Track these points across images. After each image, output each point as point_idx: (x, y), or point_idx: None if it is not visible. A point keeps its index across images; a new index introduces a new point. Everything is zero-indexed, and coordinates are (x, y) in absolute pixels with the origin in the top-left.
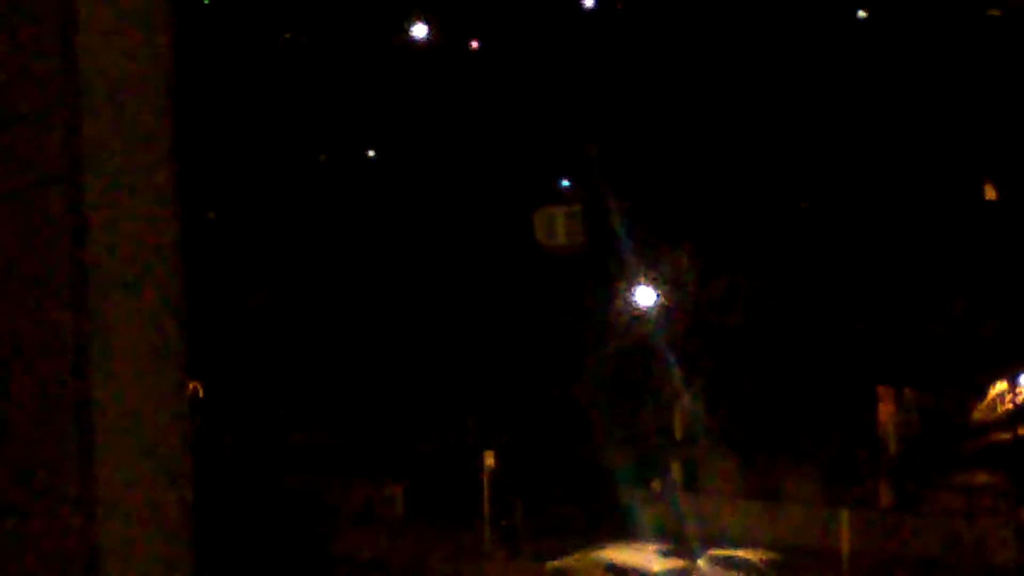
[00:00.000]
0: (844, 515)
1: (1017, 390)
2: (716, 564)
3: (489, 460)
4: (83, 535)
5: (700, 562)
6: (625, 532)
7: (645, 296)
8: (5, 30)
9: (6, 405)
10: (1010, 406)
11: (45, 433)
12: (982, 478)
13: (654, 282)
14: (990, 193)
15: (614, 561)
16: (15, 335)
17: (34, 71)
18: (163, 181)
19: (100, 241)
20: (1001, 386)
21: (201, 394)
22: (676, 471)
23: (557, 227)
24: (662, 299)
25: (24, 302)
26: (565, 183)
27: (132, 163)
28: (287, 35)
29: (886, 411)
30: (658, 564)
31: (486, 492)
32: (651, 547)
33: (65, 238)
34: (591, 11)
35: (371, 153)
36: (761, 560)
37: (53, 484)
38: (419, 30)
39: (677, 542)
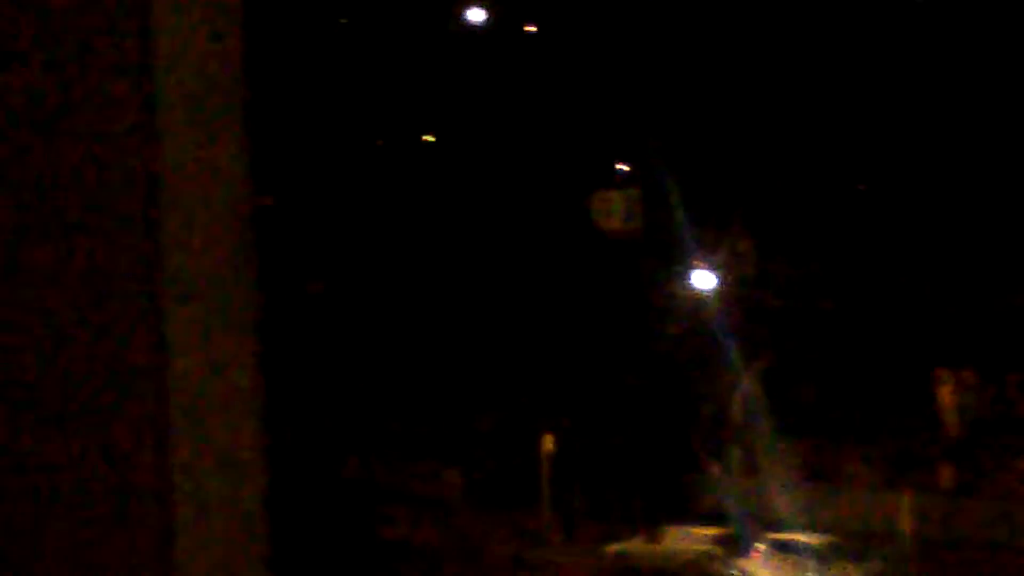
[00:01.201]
0: (905, 499)
1: None
2: (775, 548)
3: (548, 444)
4: (158, 523)
5: (760, 546)
6: (684, 516)
7: (703, 279)
8: (82, 43)
9: (85, 391)
10: None
11: (122, 421)
12: None
13: (712, 265)
14: None
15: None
16: (94, 330)
17: (110, 79)
18: (238, 189)
19: (175, 245)
20: None
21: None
22: (735, 455)
23: (615, 210)
24: (720, 282)
25: (103, 305)
26: (623, 167)
27: (207, 167)
28: (343, 20)
29: (947, 394)
30: (816, 539)
31: (545, 475)
32: (711, 530)
33: (143, 243)
34: None
35: (429, 138)
36: (821, 544)
37: (128, 470)
38: (476, 14)
39: (737, 526)
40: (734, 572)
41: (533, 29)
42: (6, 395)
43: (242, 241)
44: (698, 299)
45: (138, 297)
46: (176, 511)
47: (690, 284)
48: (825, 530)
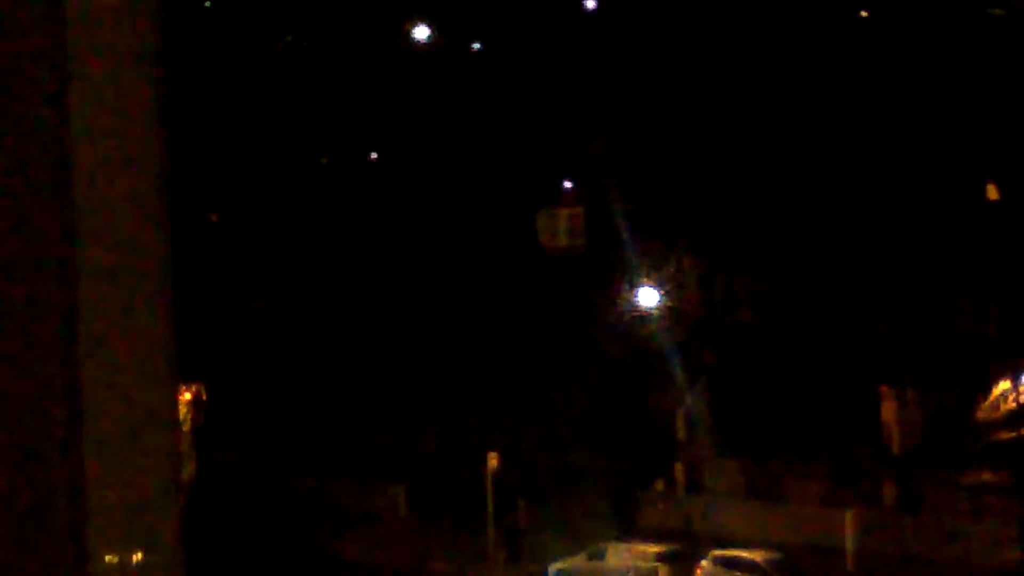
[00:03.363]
0: (848, 515)
1: (1020, 389)
2: (719, 564)
3: (492, 461)
4: (73, 533)
5: (704, 563)
6: (628, 533)
7: (648, 296)
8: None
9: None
10: (1013, 405)
11: (37, 430)
12: (985, 477)
13: (657, 282)
14: (992, 193)
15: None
16: (8, 337)
17: (24, 73)
18: (152, 184)
19: (90, 243)
20: (1004, 385)
21: (205, 395)
22: (680, 472)
23: (559, 228)
24: (665, 299)
25: (17, 305)
26: (567, 184)
27: (122, 164)
28: (288, 38)
29: (889, 410)
30: (760, 555)
31: (489, 493)
32: (654, 547)
33: (56, 241)
34: (593, 12)
35: (373, 155)
36: (765, 560)
37: (44, 481)
38: (420, 32)
39: (681, 542)
40: None
41: (478, 47)
42: None
43: (159, 243)
44: (642, 316)
45: (53, 309)
46: (90, 521)
47: (634, 301)
48: (769, 546)
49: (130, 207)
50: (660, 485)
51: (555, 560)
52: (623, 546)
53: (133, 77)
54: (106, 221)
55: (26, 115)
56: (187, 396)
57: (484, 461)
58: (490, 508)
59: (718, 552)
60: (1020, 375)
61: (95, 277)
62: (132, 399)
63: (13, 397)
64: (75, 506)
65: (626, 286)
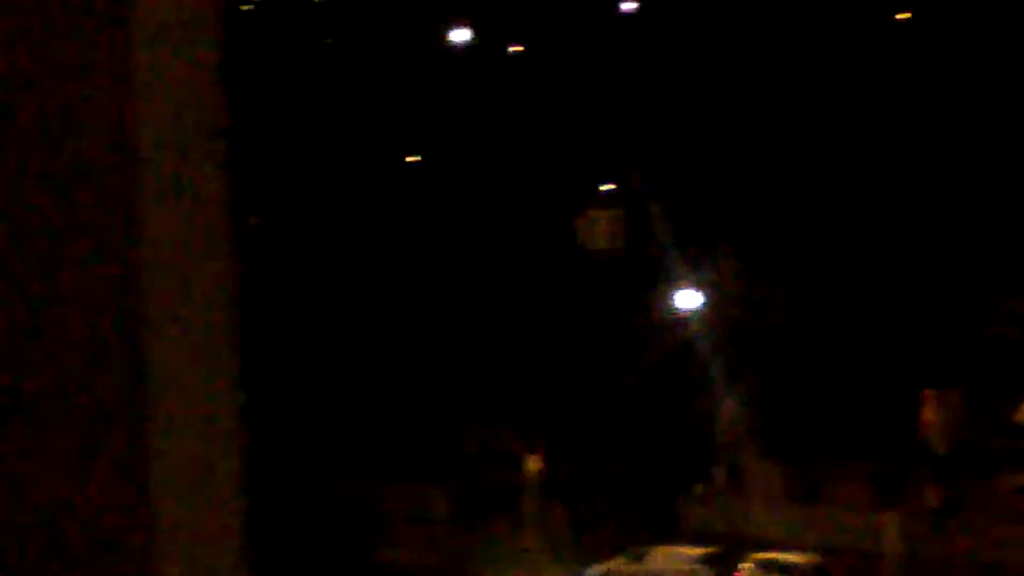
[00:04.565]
0: (890, 518)
1: None
2: (761, 568)
3: (534, 463)
4: (140, 544)
5: (744, 565)
6: (670, 535)
7: (688, 299)
8: (60, 33)
9: (60, 407)
10: None
11: (100, 434)
12: None
13: (697, 285)
14: None
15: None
16: (69, 336)
17: (88, 70)
18: (215, 185)
19: (153, 242)
20: None
21: (247, 398)
22: (721, 474)
23: (599, 231)
24: (705, 302)
25: (77, 304)
26: (608, 187)
27: (185, 165)
28: (328, 41)
29: (931, 413)
30: (800, 558)
31: (530, 495)
32: (695, 550)
33: (118, 240)
34: (631, 14)
35: (414, 159)
36: (806, 564)
37: (107, 490)
38: (460, 35)
39: (722, 545)
40: None
41: (519, 50)
42: None
43: (223, 262)
44: (682, 319)
45: (116, 316)
46: (155, 527)
47: (674, 304)
48: (810, 550)
49: (194, 210)
50: (700, 488)
51: (596, 562)
52: (663, 548)
53: (196, 81)
54: (171, 227)
55: (91, 120)
56: None
57: (525, 463)
58: (532, 510)
59: (758, 555)
60: None
61: (159, 280)
62: (196, 404)
63: (76, 403)
64: (143, 527)
65: (666, 289)
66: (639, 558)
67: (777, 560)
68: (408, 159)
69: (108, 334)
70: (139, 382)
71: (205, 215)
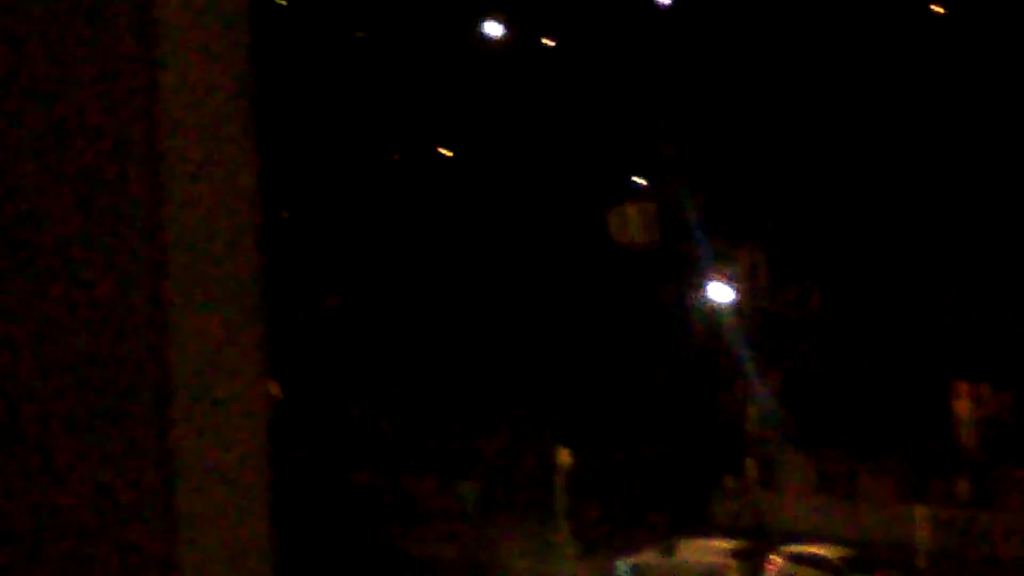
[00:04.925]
0: (921, 511)
1: None
2: (792, 561)
3: (563, 456)
4: (163, 548)
5: (775, 558)
6: (700, 528)
7: (720, 292)
8: (86, 31)
9: (81, 408)
10: None
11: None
12: None
13: (729, 279)
14: None
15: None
16: (94, 341)
17: (113, 67)
18: (245, 182)
19: (179, 244)
20: None
21: (278, 393)
22: (752, 467)
23: (631, 224)
24: (737, 295)
25: (102, 306)
26: (640, 180)
27: (213, 161)
28: (361, 34)
29: (963, 406)
30: (832, 552)
31: (560, 488)
32: (726, 543)
33: (145, 240)
34: (667, 7)
35: (446, 152)
36: (837, 557)
37: (132, 496)
38: (493, 28)
39: (753, 538)
40: None
41: (551, 43)
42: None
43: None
44: (715, 311)
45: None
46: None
47: (707, 297)
48: (842, 543)
49: (222, 206)
50: (731, 481)
51: (627, 555)
52: (694, 541)
53: (224, 76)
54: (197, 221)
55: (117, 113)
56: None
57: (556, 456)
58: (561, 504)
59: (789, 548)
60: None
61: (185, 277)
62: (222, 406)
63: (97, 405)
64: (166, 534)
65: (698, 282)
66: (669, 551)
67: (808, 553)
68: (441, 152)
69: (132, 331)
70: (163, 381)
71: (233, 207)
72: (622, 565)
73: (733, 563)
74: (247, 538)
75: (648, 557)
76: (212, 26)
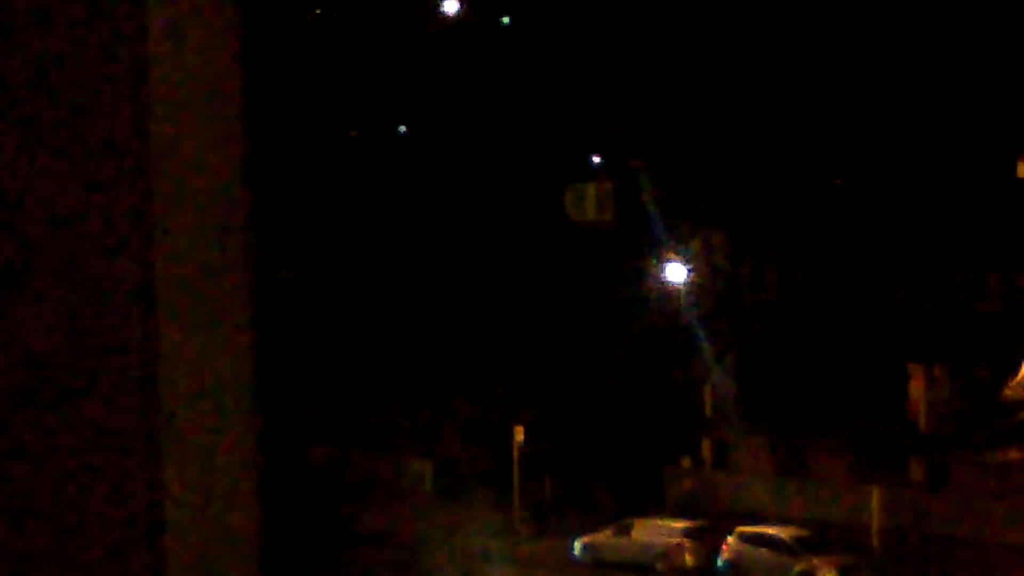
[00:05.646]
0: (875, 492)
1: None
2: (745, 541)
3: (518, 435)
4: (149, 551)
5: (729, 539)
6: (655, 508)
7: (675, 272)
8: (77, 36)
9: (70, 409)
10: None
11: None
12: (1012, 455)
13: (684, 258)
14: (1022, 170)
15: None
16: (82, 336)
17: (104, 73)
18: (235, 184)
19: (168, 244)
20: None
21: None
22: (706, 448)
23: (588, 203)
24: (692, 276)
25: (92, 301)
26: (596, 159)
27: (202, 160)
28: (317, 10)
29: (917, 388)
30: (786, 532)
31: (515, 467)
32: (680, 523)
33: (134, 239)
34: None
35: (402, 129)
36: (791, 537)
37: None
38: (450, 5)
39: (707, 518)
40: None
41: (507, 21)
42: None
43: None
44: (670, 291)
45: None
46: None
47: (662, 276)
48: (795, 523)
49: (212, 198)
50: (686, 461)
51: (581, 535)
52: (649, 521)
53: (214, 64)
54: (187, 215)
55: (107, 110)
56: None
57: (510, 435)
58: (516, 482)
59: (744, 528)
60: None
61: (174, 265)
62: (211, 408)
63: (86, 406)
64: (152, 533)
65: (654, 261)
66: (625, 530)
67: (762, 533)
68: (398, 129)
69: (122, 333)
70: (152, 382)
71: (223, 197)
72: (576, 544)
73: (687, 543)
74: (233, 546)
75: (602, 536)
76: (205, 27)
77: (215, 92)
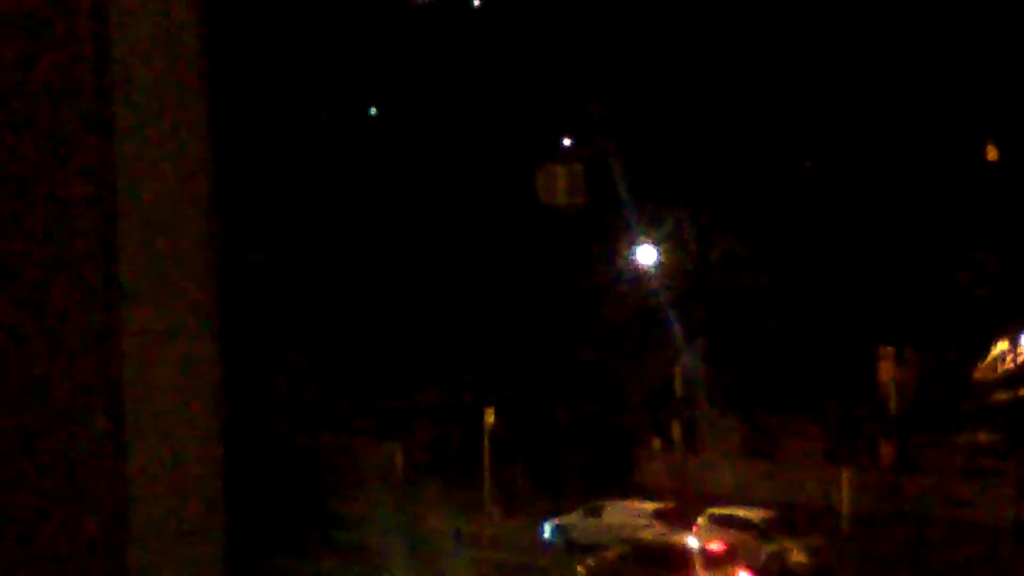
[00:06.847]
0: (844, 474)
1: (1018, 350)
2: (715, 522)
3: (489, 418)
4: (115, 544)
5: (700, 520)
6: (625, 490)
7: (646, 254)
8: (40, 45)
9: (40, 410)
10: (1011, 366)
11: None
12: (982, 438)
13: (655, 241)
14: (992, 154)
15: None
16: (51, 341)
17: (68, 81)
18: (199, 188)
19: (132, 251)
20: (1002, 346)
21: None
22: (676, 430)
23: (558, 185)
24: (663, 258)
25: (59, 309)
26: (567, 141)
27: (166, 170)
28: None
29: (887, 370)
30: (756, 514)
31: (486, 450)
32: (651, 505)
33: (98, 249)
34: None
35: (373, 110)
36: (761, 519)
37: (85, 480)
38: None
39: (677, 500)
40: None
41: (477, 3)
42: None
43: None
44: (641, 274)
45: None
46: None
47: (633, 259)
48: (765, 505)
49: (176, 202)
50: (657, 443)
51: (551, 517)
52: (620, 503)
53: (178, 46)
54: (150, 222)
55: (69, 121)
56: None
57: (481, 418)
58: (487, 464)
59: (714, 510)
60: (1018, 336)
61: (136, 270)
62: (175, 403)
63: (51, 400)
64: (118, 526)
65: (625, 244)
66: (595, 512)
67: (732, 515)
68: (369, 110)
69: (84, 327)
70: (115, 375)
71: (188, 222)
72: (547, 526)
73: (657, 524)
74: (200, 538)
75: (573, 518)
76: (167, 26)
77: (178, 77)
